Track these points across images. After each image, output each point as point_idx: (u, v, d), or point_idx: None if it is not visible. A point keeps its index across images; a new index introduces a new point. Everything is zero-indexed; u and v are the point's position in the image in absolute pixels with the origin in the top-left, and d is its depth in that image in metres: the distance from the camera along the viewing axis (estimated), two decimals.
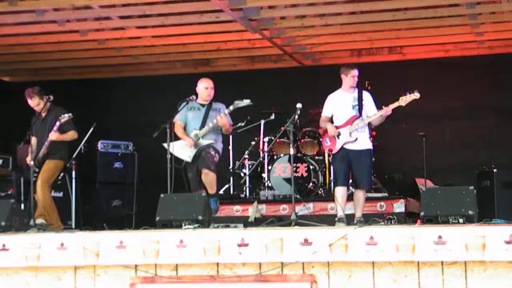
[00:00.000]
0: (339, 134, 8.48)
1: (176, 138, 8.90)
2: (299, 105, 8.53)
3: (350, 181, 9.01)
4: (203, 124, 8.94)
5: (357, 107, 8.51)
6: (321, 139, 8.82)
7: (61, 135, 9.12)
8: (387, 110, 8.40)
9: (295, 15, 10.77)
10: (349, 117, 8.51)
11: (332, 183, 10.70)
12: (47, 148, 9.08)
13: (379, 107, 8.52)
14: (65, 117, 9.05)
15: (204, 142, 8.89)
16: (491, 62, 11.81)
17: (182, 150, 8.91)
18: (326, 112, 8.72)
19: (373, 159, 8.95)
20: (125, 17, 10.71)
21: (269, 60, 12.65)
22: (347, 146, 8.48)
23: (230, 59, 12.69)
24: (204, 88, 9.03)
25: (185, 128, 9.05)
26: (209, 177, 8.82)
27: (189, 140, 8.90)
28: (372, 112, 8.53)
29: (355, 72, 8.56)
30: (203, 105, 9.05)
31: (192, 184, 8.91)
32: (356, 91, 8.59)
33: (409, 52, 12.12)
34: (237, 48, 12.12)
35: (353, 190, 8.79)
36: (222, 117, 8.82)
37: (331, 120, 8.70)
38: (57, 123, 9.05)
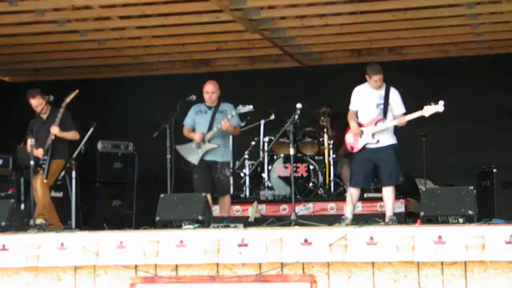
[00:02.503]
0: (361, 134, 8.37)
1: (181, 140, 8.97)
2: (299, 105, 8.52)
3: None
4: (210, 127, 8.99)
5: (381, 106, 8.35)
6: (346, 133, 8.66)
7: (62, 132, 9.16)
8: (411, 117, 8.27)
9: (295, 15, 10.76)
10: (373, 117, 8.37)
11: (332, 183, 10.72)
12: (50, 146, 9.11)
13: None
14: (70, 96, 9.14)
15: (209, 146, 8.95)
16: (491, 62, 11.80)
17: (190, 153, 9.00)
18: (353, 106, 8.52)
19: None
20: (125, 17, 10.71)
21: (269, 60, 12.63)
22: (369, 146, 8.38)
23: (230, 59, 12.68)
24: (205, 92, 9.07)
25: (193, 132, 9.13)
26: (226, 201, 9.08)
27: (197, 135, 8.93)
28: (398, 111, 8.35)
29: (377, 77, 8.32)
30: (210, 108, 9.11)
31: (196, 187, 8.96)
32: (384, 88, 8.40)
33: (409, 52, 12.11)
34: (237, 48, 12.11)
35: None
36: (225, 122, 8.84)
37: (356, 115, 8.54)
38: (61, 110, 9.11)
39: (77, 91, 9.25)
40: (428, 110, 8.24)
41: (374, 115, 8.39)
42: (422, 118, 8.30)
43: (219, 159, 9.04)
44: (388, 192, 8.40)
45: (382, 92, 8.40)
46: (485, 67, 11.79)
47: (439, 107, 8.23)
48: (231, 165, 9.27)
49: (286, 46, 11.84)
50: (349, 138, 8.53)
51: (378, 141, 8.35)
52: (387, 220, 8.17)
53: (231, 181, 9.20)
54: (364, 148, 8.39)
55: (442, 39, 11.61)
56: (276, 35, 11.33)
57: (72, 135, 9.34)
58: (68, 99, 9.20)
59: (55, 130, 9.13)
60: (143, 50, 12.19)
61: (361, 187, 8.53)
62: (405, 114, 8.40)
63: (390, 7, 10.30)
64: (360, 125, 8.43)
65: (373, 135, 8.35)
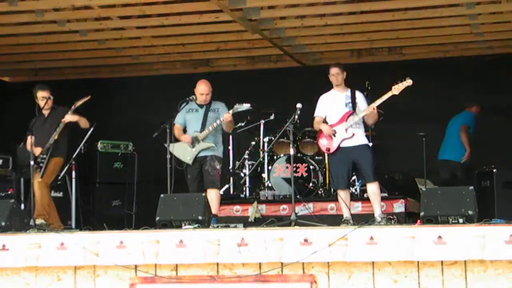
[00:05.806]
0: (335, 133, 8.45)
1: (176, 139, 8.93)
2: (299, 105, 8.52)
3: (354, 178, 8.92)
4: (203, 126, 8.92)
5: (350, 104, 8.45)
6: (316, 140, 8.76)
7: (75, 115, 9.17)
8: (381, 100, 8.32)
9: (295, 15, 10.77)
10: (343, 114, 8.45)
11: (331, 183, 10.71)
12: (51, 145, 9.12)
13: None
14: (81, 101, 9.20)
15: (203, 145, 8.88)
16: (491, 62, 11.80)
17: (183, 152, 8.91)
18: (319, 112, 8.65)
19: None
20: (125, 17, 10.71)
21: (269, 60, 12.65)
22: (344, 144, 8.40)
23: (230, 59, 12.69)
24: (200, 94, 8.96)
25: (184, 130, 9.06)
26: (213, 195, 8.77)
27: (185, 137, 8.89)
28: (365, 107, 8.47)
29: (332, 70, 8.53)
30: (201, 106, 9.02)
31: (190, 187, 8.90)
32: (349, 90, 8.55)
33: (409, 52, 12.12)
34: (237, 48, 12.12)
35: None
36: (229, 115, 8.75)
37: (324, 121, 8.66)
38: (69, 112, 9.17)
39: (89, 97, 9.23)
40: (396, 88, 8.28)
41: (343, 112, 8.45)
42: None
43: (209, 153, 8.93)
44: (374, 188, 8.39)
45: (348, 93, 8.53)
46: (485, 67, 11.79)
47: (407, 82, 8.28)
48: (221, 156, 9.09)
49: (286, 46, 11.84)
50: (323, 141, 8.57)
51: (353, 135, 8.37)
52: (378, 219, 8.16)
53: (220, 172, 8.99)
54: (340, 148, 8.42)
55: (442, 39, 11.62)
56: (276, 35, 11.34)
57: (84, 122, 9.35)
58: (78, 103, 9.19)
59: (69, 117, 9.13)
60: (143, 50, 12.20)
61: (344, 188, 8.50)
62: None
63: (390, 7, 10.31)
64: (331, 126, 8.49)
65: (346, 129, 8.39)
